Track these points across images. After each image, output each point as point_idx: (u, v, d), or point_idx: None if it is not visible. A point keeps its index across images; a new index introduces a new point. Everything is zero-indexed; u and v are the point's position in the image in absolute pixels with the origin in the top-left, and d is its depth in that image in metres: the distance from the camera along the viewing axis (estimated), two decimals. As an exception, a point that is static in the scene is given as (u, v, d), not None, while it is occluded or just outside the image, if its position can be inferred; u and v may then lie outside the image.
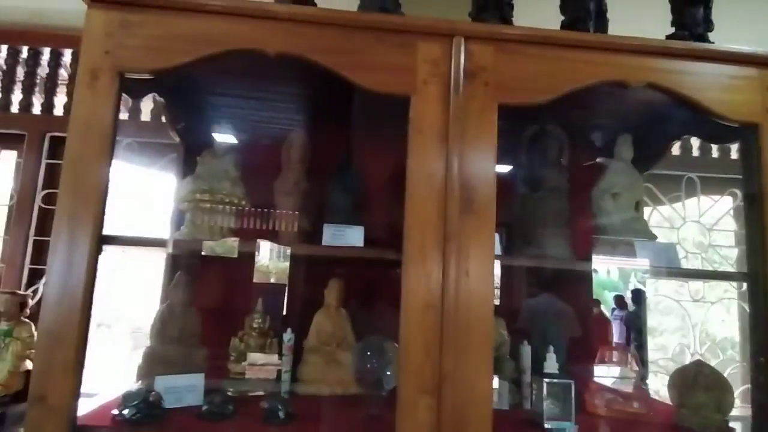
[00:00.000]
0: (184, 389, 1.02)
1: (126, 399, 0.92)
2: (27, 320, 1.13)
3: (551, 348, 1.23)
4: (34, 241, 1.77)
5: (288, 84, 1.22)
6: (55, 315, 0.83)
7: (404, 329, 0.89)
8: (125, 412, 0.90)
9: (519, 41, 1.01)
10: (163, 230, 1.28)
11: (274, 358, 1.11)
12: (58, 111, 1.88)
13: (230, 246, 1.03)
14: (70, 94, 1.87)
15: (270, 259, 1.11)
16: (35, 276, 1.79)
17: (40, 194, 1.78)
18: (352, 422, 1.04)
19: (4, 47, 1.88)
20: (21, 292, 1.12)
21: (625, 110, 1.33)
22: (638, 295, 1.47)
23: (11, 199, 1.78)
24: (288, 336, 1.16)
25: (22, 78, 1.88)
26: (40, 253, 1.79)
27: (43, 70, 1.91)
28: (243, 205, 1.14)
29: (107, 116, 0.93)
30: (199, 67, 0.94)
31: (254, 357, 1.10)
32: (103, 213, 0.91)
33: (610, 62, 1.01)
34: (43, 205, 1.78)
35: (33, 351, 1.09)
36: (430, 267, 0.90)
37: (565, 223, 1.28)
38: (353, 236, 1.12)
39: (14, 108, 1.86)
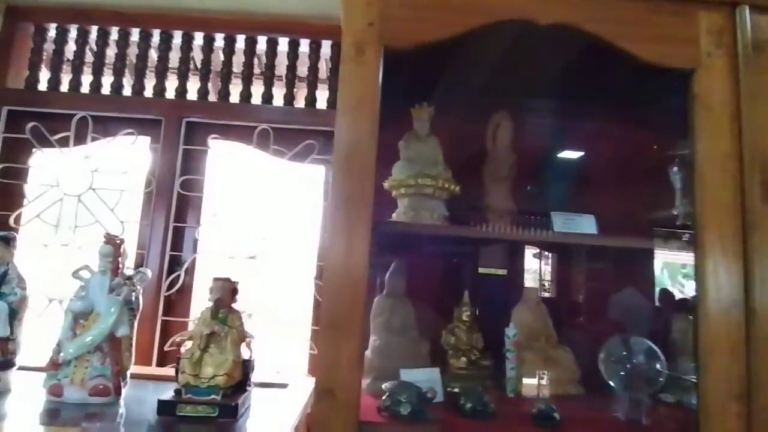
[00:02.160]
0: (423, 384, 0.96)
1: (394, 393, 0.86)
2: (236, 308, 1.06)
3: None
4: (174, 227, 1.72)
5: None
6: (338, 305, 0.77)
7: (705, 329, 0.82)
8: (398, 407, 0.83)
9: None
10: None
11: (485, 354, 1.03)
12: (192, 95, 1.83)
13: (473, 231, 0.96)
14: (204, 78, 1.81)
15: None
16: (175, 263, 1.75)
17: (178, 180, 1.74)
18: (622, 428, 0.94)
19: (136, 30, 1.83)
20: (233, 279, 1.05)
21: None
22: None
23: (148, 185, 1.73)
24: (512, 331, 1.08)
25: (155, 62, 1.83)
26: (178, 239, 1.74)
27: (175, 54, 1.85)
28: (455, 191, 1.06)
29: (375, 91, 0.86)
30: (460, 39, 0.87)
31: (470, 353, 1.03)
32: (373, 193, 0.84)
33: None
34: (182, 191, 1.73)
35: (248, 339, 1.04)
36: (729, 261, 0.82)
37: None
38: (585, 224, 1.04)
39: (148, 92, 1.81)
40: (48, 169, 1.74)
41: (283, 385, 1.20)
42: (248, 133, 1.76)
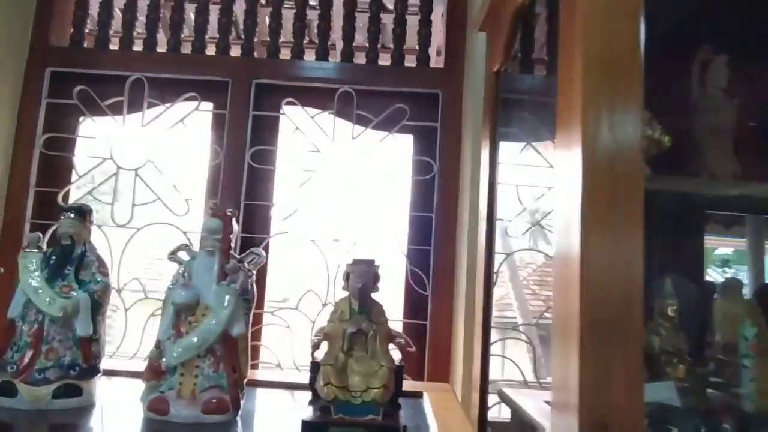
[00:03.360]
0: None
1: (662, 420, 0.63)
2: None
3: None
4: (245, 205, 1.50)
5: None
6: (606, 299, 0.53)
7: None
8: None
9: None
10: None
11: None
12: (260, 53, 1.59)
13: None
14: (274, 33, 1.57)
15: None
16: (247, 245, 1.52)
17: (248, 152, 1.50)
18: None
19: (195, -22, 1.59)
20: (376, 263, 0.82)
21: None
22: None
23: (215, 157, 1.50)
24: (751, 330, 0.84)
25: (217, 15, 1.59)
26: (250, 219, 1.51)
27: (239, 5, 1.61)
28: (665, 144, 0.82)
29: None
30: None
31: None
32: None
33: None
34: (253, 163, 1.50)
35: (399, 340, 0.81)
36: None
37: None
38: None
39: (210, 50, 1.58)
40: (99, 139, 1.52)
41: (418, 394, 0.98)
42: (327, 97, 1.52)
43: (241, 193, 1.48)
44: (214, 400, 0.75)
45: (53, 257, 0.81)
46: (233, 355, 0.79)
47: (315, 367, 0.79)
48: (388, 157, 1.56)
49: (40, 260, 0.81)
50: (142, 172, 1.49)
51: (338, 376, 0.74)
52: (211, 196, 1.51)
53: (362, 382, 0.74)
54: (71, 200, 1.54)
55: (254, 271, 0.85)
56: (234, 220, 0.83)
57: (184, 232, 1.48)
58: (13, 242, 1.45)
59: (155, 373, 0.77)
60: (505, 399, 1.05)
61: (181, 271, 0.82)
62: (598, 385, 0.51)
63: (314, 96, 1.54)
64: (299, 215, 1.52)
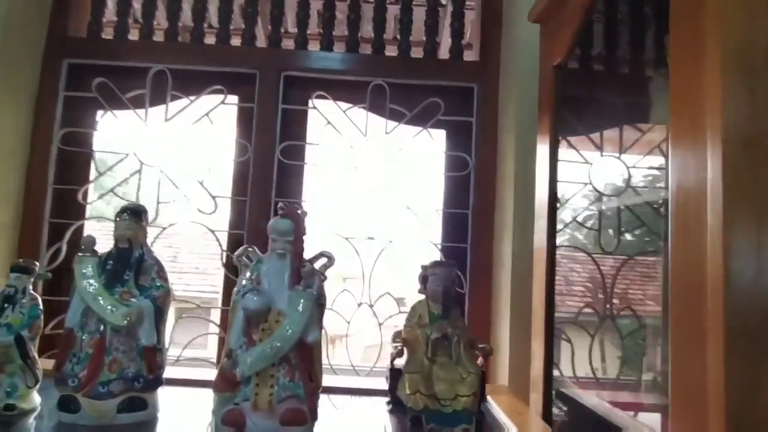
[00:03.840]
0: None
1: None
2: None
3: None
4: (275, 203, 1.45)
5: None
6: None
7: None
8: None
9: None
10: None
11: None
12: (287, 44, 1.53)
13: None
14: (302, 23, 1.51)
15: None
16: (279, 247, 1.47)
17: (278, 147, 1.45)
18: None
19: (216, -36, 1.52)
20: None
21: None
22: None
23: (243, 153, 1.45)
24: None
25: (242, 3, 1.53)
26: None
27: (265, -6, 1.55)
28: None
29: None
30: None
31: None
32: None
33: None
34: (282, 159, 1.44)
35: (482, 345, 0.77)
36: None
37: None
38: None
39: (235, 41, 1.51)
40: (120, 134, 1.45)
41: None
42: (358, 90, 1.47)
43: (272, 190, 1.44)
44: (293, 411, 0.71)
45: (110, 262, 0.76)
46: (309, 363, 0.75)
47: (395, 374, 0.76)
48: (422, 153, 1.53)
49: (96, 265, 0.75)
50: (166, 169, 1.43)
51: (427, 383, 0.70)
52: (239, 193, 1.46)
53: (449, 390, 0.71)
54: (90, 198, 1.47)
55: (325, 275, 0.81)
56: (305, 220, 0.78)
57: (212, 231, 1.43)
58: (32, 242, 1.38)
59: (229, 383, 0.72)
60: (562, 398, 1.03)
61: (248, 276, 0.77)
62: (744, 394, 0.48)
63: (345, 89, 1.49)
64: (331, 213, 1.47)
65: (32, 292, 0.79)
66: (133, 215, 0.78)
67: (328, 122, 1.46)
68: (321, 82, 1.49)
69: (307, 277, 0.75)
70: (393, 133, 1.47)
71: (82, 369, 0.71)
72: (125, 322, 0.71)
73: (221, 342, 1.44)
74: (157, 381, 0.75)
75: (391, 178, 1.47)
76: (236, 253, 0.79)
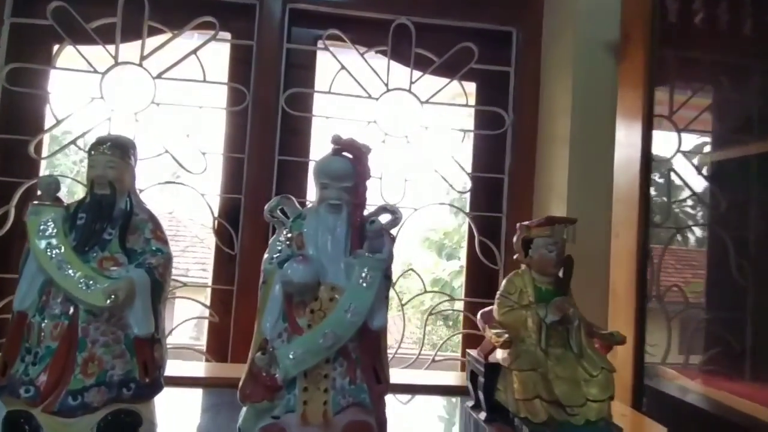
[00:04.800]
0: None
1: None
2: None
3: None
4: (279, 162, 1.20)
5: None
6: None
7: None
8: None
9: None
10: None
11: None
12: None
13: None
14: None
15: None
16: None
17: (282, 96, 1.20)
18: None
19: None
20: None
21: None
22: None
23: (238, 101, 1.19)
24: None
25: None
26: (284, 179, 1.22)
27: None
28: None
29: None
30: None
31: None
32: None
33: None
34: (288, 109, 1.20)
35: (598, 331, 0.58)
36: None
37: None
38: None
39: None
40: (85, 74, 1.16)
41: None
42: (375, 31, 1.24)
43: (275, 147, 1.19)
44: (357, 425, 0.50)
45: (82, 215, 0.52)
46: (374, 358, 0.54)
47: (493, 370, 0.56)
48: (449, 109, 1.31)
49: (62, 219, 0.51)
50: (142, 117, 1.16)
51: (546, 385, 0.51)
52: (234, 149, 1.21)
53: (575, 393, 0.52)
54: (45, 152, 1.19)
55: (394, 236, 0.59)
56: (368, 159, 0.56)
57: (202, 195, 1.18)
58: (-31, 205, 1.10)
59: (265, 388, 0.50)
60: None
61: (284, 237, 0.55)
62: None
63: (360, 29, 1.25)
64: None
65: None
66: (117, 148, 0.54)
67: (343, 67, 1.22)
68: (332, 18, 1.25)
69: (374, 238, 0.53)
70: (418, 84, 1.25)
71: (40, 371, 0.47)
72: (108, 302, 0.48)
73: (212, 328, 1.20)
74: (155, 386, 0.52)
75: (414, 137, 1.25)
76: (269, 205, 0.56)
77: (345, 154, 0.54)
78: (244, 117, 1.20)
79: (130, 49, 1.18)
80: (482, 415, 0.57)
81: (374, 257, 0.52)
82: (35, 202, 0.51)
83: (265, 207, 0.56)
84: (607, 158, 1.04)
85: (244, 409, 0.51)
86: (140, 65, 1.16)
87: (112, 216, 0.52)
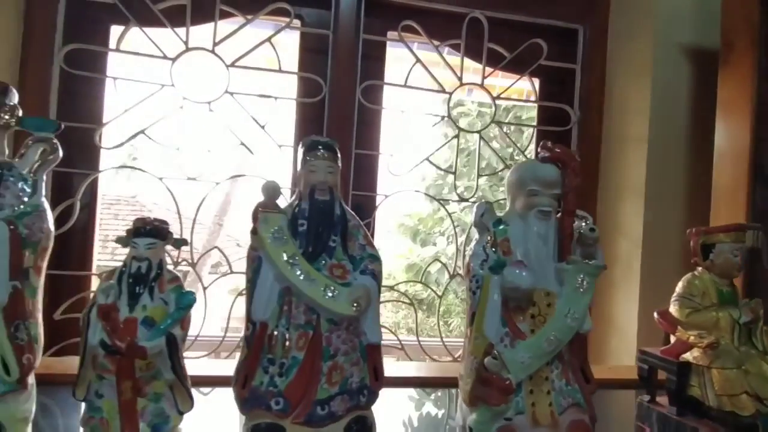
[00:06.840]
0: None
1: None
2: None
3: None
4: (356, 156, 1.19)
5: None
6: None
7: None
8: None
9: None
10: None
11: None
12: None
13: None
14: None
15: None
16: (358, 208, 1.22)
17: (359, 87, 1.18)
18: None
19: None
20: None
21: None
22: None
23: (313, 92, 1.16)
24: None
25: None
26: (359, 173, 1.21)
27: None
28: None
29: None
30: None
31: None
32: None
33: None
34: (364, 101, 1.18)
35: None
36: None
37: None
38: None
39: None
40: (153, 59, 1.10)
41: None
42: (450, 24, 1.23)
43: (352, 139, 1.18)
44: (578, 424, 0.53)
45: (302, 221, 0.50)
46: (583, 359, 0.57)
47: (684, 369, 0.59)
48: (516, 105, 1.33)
49: (287, 226, 0.49)
50: (216, 107, 1.11)
51: (747, 381, 0.55)
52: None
53: (766, 387, 0.56)
54: (108, 143, 1.13)
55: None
56: (578, 166, 0.57)
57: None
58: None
59: (501, 392, 0.52)
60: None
61: (489, 241, 0.55)
62: None
63: (433, 21, 1.24)
64: (412, 171, 1.25)
65: (170, 267, 0.51)
66: (331, 152, 0.52)
67: (418, 60, 1.21)
68: (406, 10, 1.23)
69: (587, 245, 0.55)
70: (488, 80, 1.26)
71: (289, 383, 0.46)
72: (354, 310, 0.47)
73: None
74: (377, 393, 0.53)
75: (483, 132, 1.26)
76: (477, 209, 0.56)
77: (555, 161, 0.56)
78: (317, 108, 1.17)
79: (196, 34, 1.12)
80: (670, 410, 0.60)
81: (591, 264, 0.54)
82: (262, 209, 0.49)
83: (475, 212, 0.56)
84: (684, 159, 1.10)
85: (479, 411, 0.52)
86: (213, 51, 1.11)
87: (333, 222, 0.51)
